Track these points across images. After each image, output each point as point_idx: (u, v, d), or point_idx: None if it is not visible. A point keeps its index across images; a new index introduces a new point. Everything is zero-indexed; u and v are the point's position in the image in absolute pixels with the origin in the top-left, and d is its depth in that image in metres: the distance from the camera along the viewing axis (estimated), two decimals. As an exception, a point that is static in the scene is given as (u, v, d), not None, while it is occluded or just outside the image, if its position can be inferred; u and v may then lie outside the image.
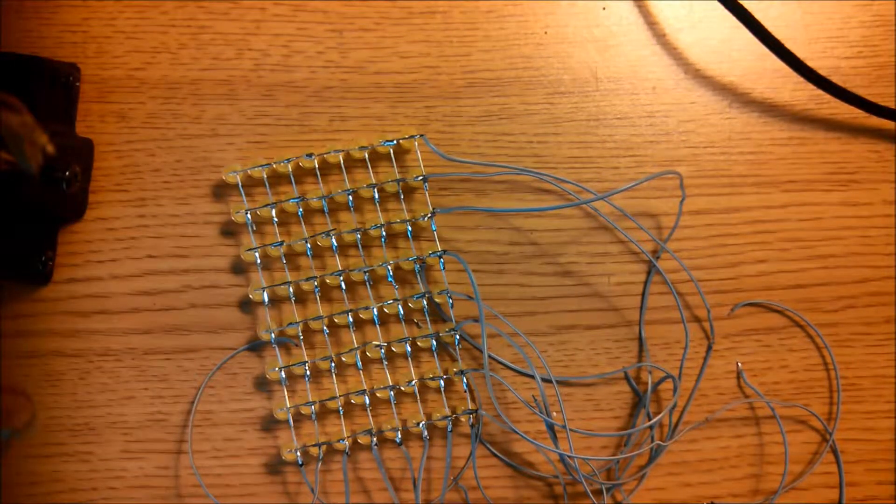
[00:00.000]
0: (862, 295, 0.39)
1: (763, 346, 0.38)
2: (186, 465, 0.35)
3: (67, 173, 0.33)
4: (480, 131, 0.38)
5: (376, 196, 0.36)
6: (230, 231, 0.36)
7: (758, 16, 0.37)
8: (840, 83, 0.38)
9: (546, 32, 0.39)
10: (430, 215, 0.36)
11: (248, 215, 0.35)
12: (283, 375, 0.35)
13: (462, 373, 0.36)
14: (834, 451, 0.38)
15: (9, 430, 0.35)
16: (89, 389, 0.35)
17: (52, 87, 0.35)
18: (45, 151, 0.31)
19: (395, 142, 0.36)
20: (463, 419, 0.36)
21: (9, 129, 0.29)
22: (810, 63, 0.38)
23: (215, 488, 0.35)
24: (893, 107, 0.39)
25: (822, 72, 0.38)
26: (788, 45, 0.38)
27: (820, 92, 0.39)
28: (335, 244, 0.36)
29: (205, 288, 0.36)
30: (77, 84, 0.36)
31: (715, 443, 0.38)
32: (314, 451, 0.35)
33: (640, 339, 0.38)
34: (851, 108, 0.39)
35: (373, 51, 0.38)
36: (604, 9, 0.39)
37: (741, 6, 0.37)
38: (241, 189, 0.36)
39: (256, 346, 0.36)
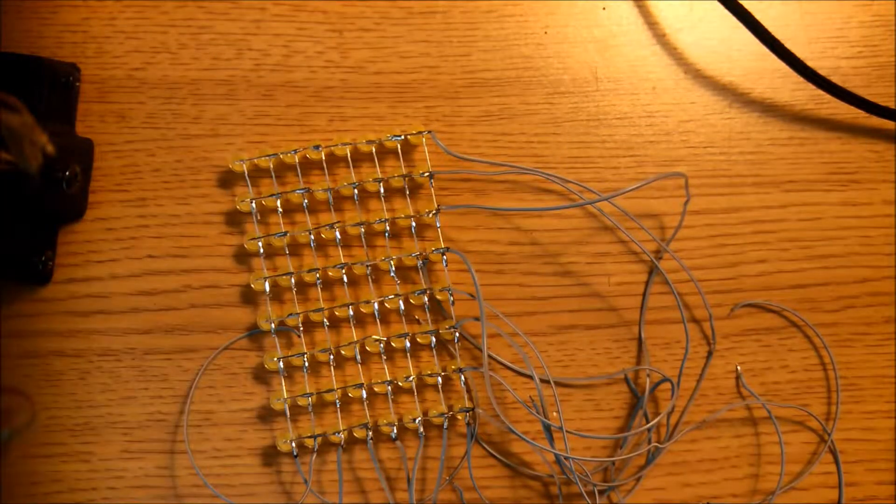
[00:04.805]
0: (862, 295, 0.39)
1: (763, 347, 0.38)
2: (186, 464, 0.35)
3: (67, 173, 0.33)
4: (480, 131, 0.38)
5: (381, 190, 0.36)
6: (233, 223, 0.36)
7: (758, 16, 0.37)
8: (840, 83, 0.38)
9: (546, 32, 0.39)
10: (434, 211, 0.36)
11: (254, 204, 0.35)
12: (282, 365, 0.35)
13: (460, 371, 0.36)
14: (832, 451, 0.38)
15: (9, 431, 0.35)
16: (89, 389, 0.35)
17: (52, 87, 0.35)
18: (45, 151, 0.31)
19: (402, 136, 0.36)
20: (460, 417, 0.36)
21: (9, 129, 0.29)
22: (810, 63, 0.38)
23: (215, 488, 0.35)
24: (893, 107, 0.39)
25: (822, 72, 0.38)
26: (788, 45, 0.38)
27: (820, 92, 0.39)
28: (339, 237, 0.36)
29: (205, 288, 0.36)
30: (77, 84, 0.36)
31: (715, 443, 0.38)
32: (309, 442, 0.35)
33: (639, 339, 0.38)
34: (851, 108, 0.39)
35: (373, 51, 0.38)
36: (604, 9, 0.39)
37: (741, 6, 0.37)
38: (248, 178, 0.36)
39: (255, 335, 0.36)
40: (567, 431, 0.34)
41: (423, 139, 0.37)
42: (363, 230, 0.36)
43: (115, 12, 0.37)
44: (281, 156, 0.36)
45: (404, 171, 0.37)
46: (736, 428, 0.38)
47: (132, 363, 0.36)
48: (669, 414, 0.37)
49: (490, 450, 0.37)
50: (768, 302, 0.38)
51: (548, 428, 0.35)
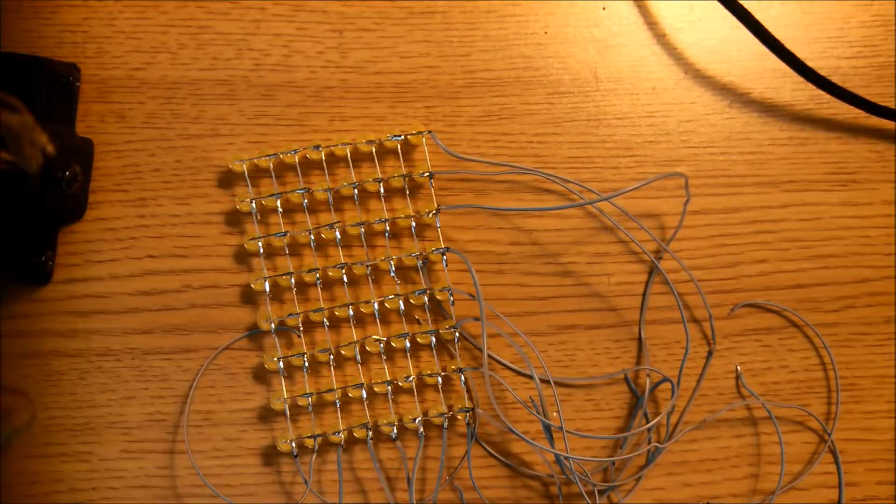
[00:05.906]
0: (862, 295, 0.39)
1: (763, 347, 0.38)
2: (186, 464, 0.35)
3: (67, 173, 0.33)
4: (480, 131, 0.38)
5: (381, 190, 0.36)
6: (233, 223, 0.36)
7: (758, 16, 0.37)
8: (840, 83, 0.38)
9: (546, 32, 0.39)
10: (434, 211, 0.36)
11: (254, 204, 0.35)
12: (282, 365, 0.35)
13: (460, 371, 0.36)
14: (832, 452, 0.38)
15: (9, 431, 0.35)
16: (89, 389, 0.35)
17: (52, 87, 0.35)
18: (45, 151, 0.31)
19: (402, 136, 0.36)
20: (460, 417, 0.36)
21: (9, 129, 0.29)
22: (810, 63, 0.38)
23: (215, 488, 0.35)
24: (893, 107, 0.39)
25: (822, 72, 0.38)
26: (788, 45, 0.38)
27: (820, 92, 0.39)
28: (339, 237, 0.36)
29: (205, 288, 0.36)
30: (77, 84, 0.36)
31: (715, 443, 0.38)
32: (309, 442, 0.35)
33: (639, 339, 0.38)
34: (851, 108, 0.39)
35: (373, 51, 0.38)
36: (604, 9, 0.39)
37: (741, 6, 0.37)
38: (248, 178, 0.36)
39: (255, 335, 0.36)
40: (567, 431, 0.34)
41: (423, 139, 0.37)
42: (363, 230, 0.36)
43: (115, 12, 0.37)
44: (281, 156, 0.36)
45: (404, 171, 0.37)
46: (736, 428, 0.38)
47: (132, 363, 0.36)
48: (669, 414, 0.37)
49: (490, 450, 0.37)
50: (768, 302, 0.38)
51: (548, 428, 0.35)
